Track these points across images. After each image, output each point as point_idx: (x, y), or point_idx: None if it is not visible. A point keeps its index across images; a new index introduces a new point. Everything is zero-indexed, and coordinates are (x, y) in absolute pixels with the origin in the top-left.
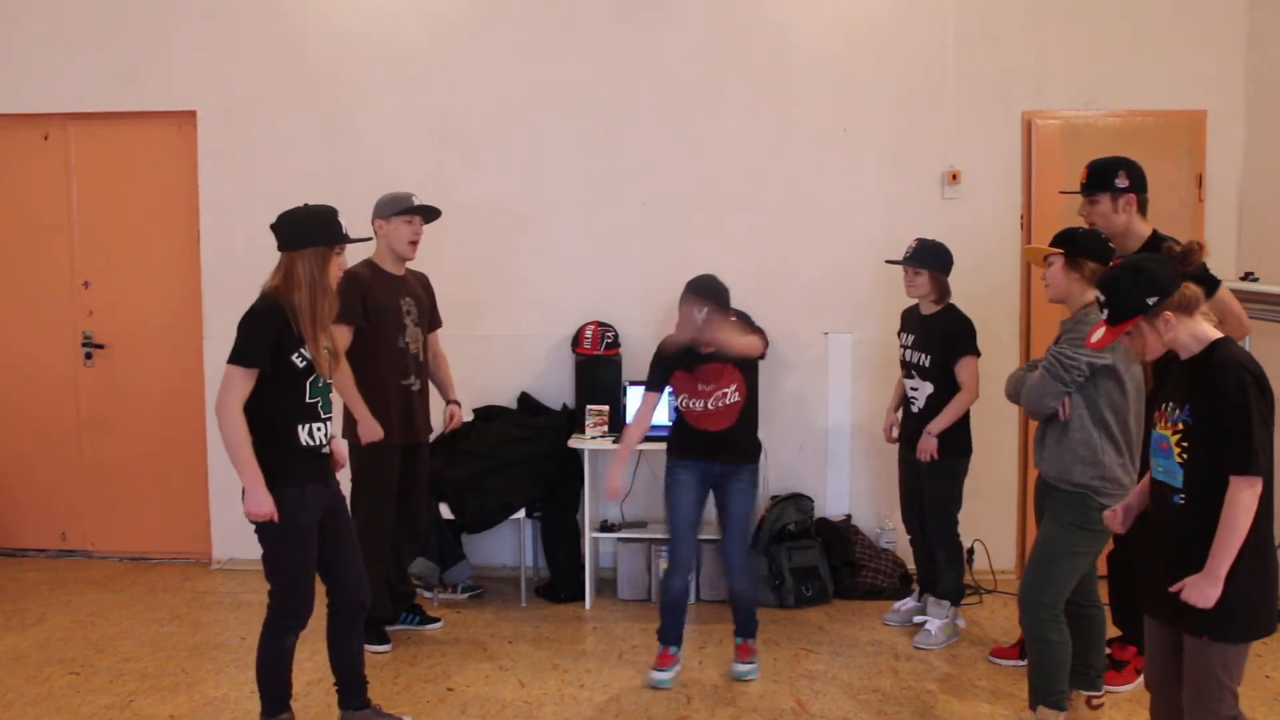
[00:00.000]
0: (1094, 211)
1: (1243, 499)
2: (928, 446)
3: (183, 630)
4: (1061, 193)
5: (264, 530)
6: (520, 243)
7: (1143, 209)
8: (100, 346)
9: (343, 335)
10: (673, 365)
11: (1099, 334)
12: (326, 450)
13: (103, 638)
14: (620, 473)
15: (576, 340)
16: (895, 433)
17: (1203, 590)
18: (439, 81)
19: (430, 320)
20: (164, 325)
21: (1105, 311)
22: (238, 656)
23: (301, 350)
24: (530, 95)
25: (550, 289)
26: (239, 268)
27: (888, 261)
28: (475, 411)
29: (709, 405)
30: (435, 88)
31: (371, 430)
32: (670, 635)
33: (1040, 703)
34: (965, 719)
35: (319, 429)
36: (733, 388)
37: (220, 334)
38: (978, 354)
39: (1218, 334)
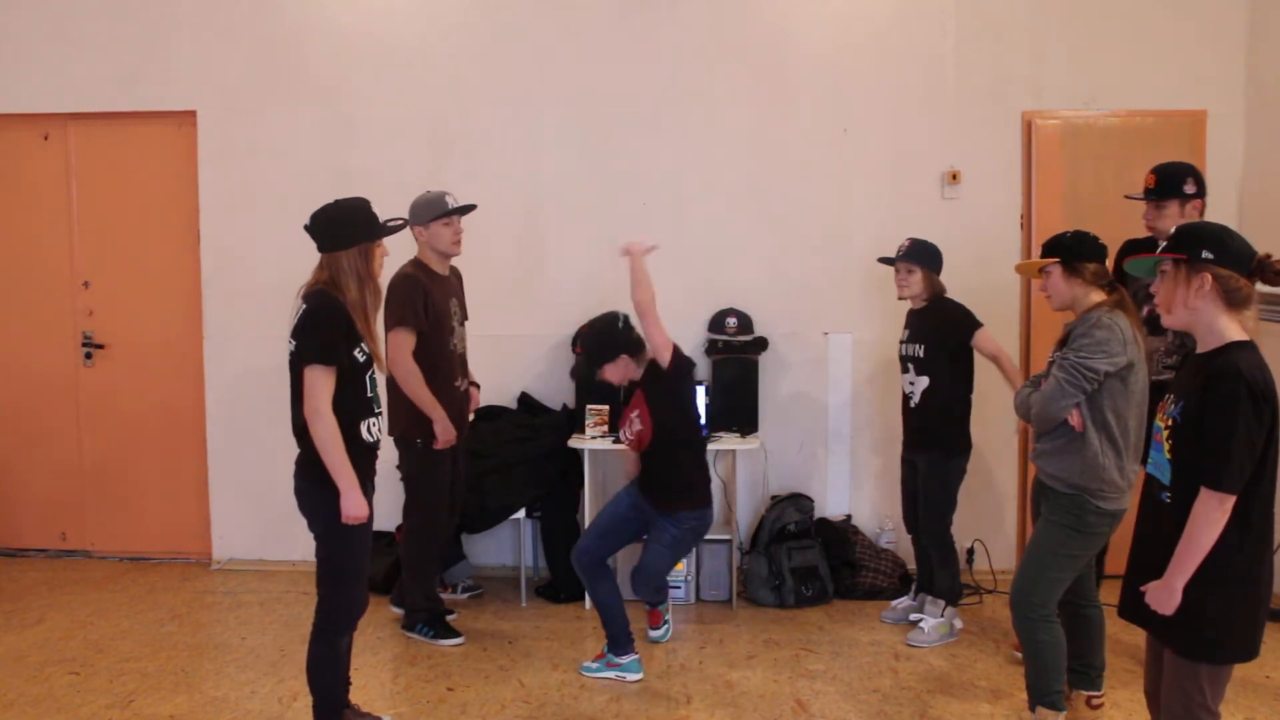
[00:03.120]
0: (1160, 216)
1: (1208, 514)
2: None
3: (183, 630)
4: (1126, 197)
5: (328, 531)
6: (520, 243)
7: (1202, 215)
8: (100, 346)
9: (407, 340)
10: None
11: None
12: (379, 449)
13: (103, 638)
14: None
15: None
16: None
17: (1159, 597)
18: (439, 82)
19: (463, 314)
20: (164, 325)
21: (1172, 237)
22: (238, 656)
23: (361, 345)
24: (530, 95)
25: (550, 289)
26: (239, 268)
27: (880, 260)
28: (475, 412)
29: (625, 433)
30: (435, 88)
31: (446, 431)
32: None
33: (1038, 703)
34: (965, 719)
35: (374, 424)
36: (635, 414)
37: (220, 334)
38: (983, 325)
39: (1239, 336)
